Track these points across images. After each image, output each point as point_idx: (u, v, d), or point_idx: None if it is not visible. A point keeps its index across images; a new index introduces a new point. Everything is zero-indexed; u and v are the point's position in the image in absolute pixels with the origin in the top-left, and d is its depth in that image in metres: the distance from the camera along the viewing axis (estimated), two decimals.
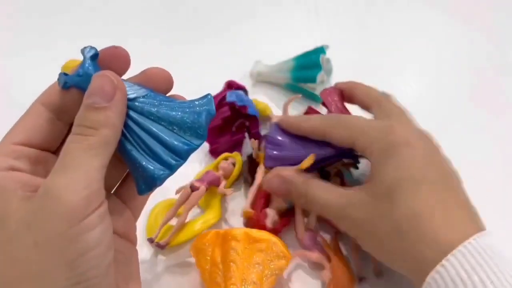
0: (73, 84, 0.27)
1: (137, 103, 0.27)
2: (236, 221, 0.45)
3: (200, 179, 0.44)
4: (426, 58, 0.65)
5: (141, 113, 0.27)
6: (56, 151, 0.29)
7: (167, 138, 0.27)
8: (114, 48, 0.28)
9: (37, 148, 0.28)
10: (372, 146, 0.36)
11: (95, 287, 0.25)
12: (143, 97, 0.27)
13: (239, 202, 0.47)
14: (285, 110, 0.49)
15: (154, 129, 0.27)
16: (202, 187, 0.43)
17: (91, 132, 0.25)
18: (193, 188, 0.43)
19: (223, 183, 0.45)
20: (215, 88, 0.54)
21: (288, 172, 0.40)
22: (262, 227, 0.42)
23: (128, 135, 0.27)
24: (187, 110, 0.28)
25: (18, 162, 0.26)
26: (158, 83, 0.29)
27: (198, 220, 0.43)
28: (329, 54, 0.57)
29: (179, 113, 0.27)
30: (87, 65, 0.27)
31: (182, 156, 0.27)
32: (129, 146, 0.27)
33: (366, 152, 0.37)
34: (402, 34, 0.68)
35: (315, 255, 0.41)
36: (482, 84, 0.61)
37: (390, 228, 0.32)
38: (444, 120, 0.56)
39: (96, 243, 0.25)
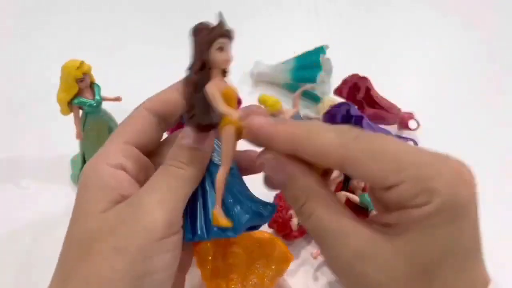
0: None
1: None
2: None
3: None
4: (426, 58, 0.65)
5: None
6: (151, 156, 0.30)
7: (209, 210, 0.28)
8: None
9: (141, 149, 0.29)
10: (429, 198, 0.22)
11: None
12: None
13: None
14: (295, 103, 0.49)
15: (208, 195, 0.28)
16: None
17: (183, 166, 0.27)
18: None
19: None
20: None
21: (288, 161, 0.26)
22: (287, 230, 0.42)
23: None
24: (249, 204, 0.28)
25: (127, 161, 0.28)
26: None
27: None
28: (329, 54, 0.57)
29: (240, 198, 0.28)
30: None
31: (207, 235, 0.27)
32: None
33: (411, 201, 0.23)
34: (402, 34, 0.68)
35: None
36: (483, 84, 0.61)
37: None
38: (444, 120, 0.56)
39: (165, 267, 0.25)
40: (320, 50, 0.56)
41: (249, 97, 0.55)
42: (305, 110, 0.53)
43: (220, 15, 0.26)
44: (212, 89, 0.25)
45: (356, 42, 0.66)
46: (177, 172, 0.27)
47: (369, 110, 0.52)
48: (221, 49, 0.25)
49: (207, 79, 0.25)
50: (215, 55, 0.25)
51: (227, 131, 0.26)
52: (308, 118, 0.48)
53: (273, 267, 0.38)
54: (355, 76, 0.54)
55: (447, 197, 0.22)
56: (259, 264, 0.38)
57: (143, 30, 0.66)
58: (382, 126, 0.53)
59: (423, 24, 0.69)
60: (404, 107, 0.53)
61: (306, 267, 0.42)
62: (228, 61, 0.26)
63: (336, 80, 0.56)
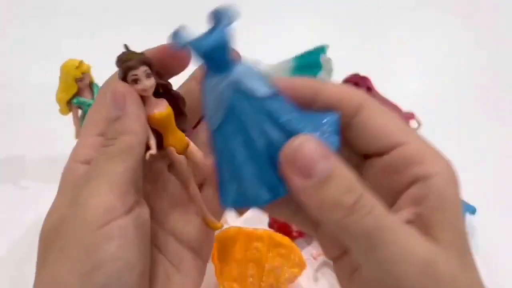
0: (193, 48, 0.22)
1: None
2: (236, 221, 0.45)
3: None
4: (426, 58, 0.65)
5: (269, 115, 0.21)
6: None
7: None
8: (166, 48, 0.27)
9: None
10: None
11: None
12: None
13: None
14: None
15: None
16: None
17: (111, 142, 0.25)
18: None
19: None
20: None
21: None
22: (287, 229, 0.42)
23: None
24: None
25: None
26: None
27: None
28: (329, 54, 0.56)
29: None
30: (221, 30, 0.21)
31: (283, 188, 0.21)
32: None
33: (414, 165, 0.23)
34: (402, 34, 0.68)
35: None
36: (483, 84, 0.61)
37: None
38: (444, 119, 0.56)
39: (113, 257, 0.23)
40: (320, 50, 0.56)
41: None
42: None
43: (125, 46, 0.26)
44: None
45: (357, 42, 0.66)
46: (106, 151, 0.24)
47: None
48: (135, 81, 0.25)
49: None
50: (133, 87, 0.25)
51: (169, 152, 0.27)
52: None
53: (288, 272, 0.39)
54: (355, 76, 0.54)
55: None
56: (277, 268, 0.39)
57: (143, 30, 0.66)
58: None
59: (424, 24, 0.69)
60: (404, 107, 0.53)
61: (306, 268, 0.42)
62: (144, 90, 0.25)
63: (336, 80, 0.56)
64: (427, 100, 0.59)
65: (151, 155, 0.25)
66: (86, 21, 0.67)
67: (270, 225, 0.43)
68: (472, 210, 0.45)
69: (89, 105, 0.42)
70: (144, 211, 0.25)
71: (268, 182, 0.21)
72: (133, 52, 0.26)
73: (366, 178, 0.23)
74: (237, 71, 0.21)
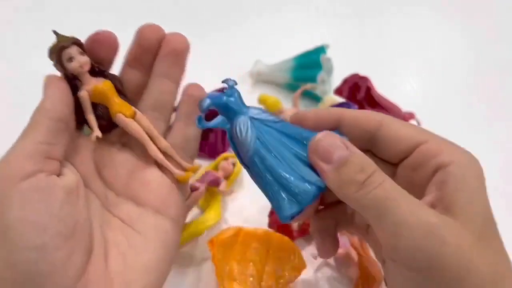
0: (215, 105, 0.28)
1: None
2: (236, 221, 0.45)
3: (199, 179, 0.44)
4: (427, 58, 0.65)
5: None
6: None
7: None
8: (97, 34, 0.30)
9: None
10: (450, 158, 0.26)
11: (41, 275, 0.23)
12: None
13: (239, 203, 0.46)
14: (295, 103, 0.49)
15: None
16: (202, 187, 0.43)
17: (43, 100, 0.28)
18: (192, 189, 0.43)
19: (223, 183, 0.45)
20: (215, 87, 0.54)
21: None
22: (287, 229, 0.42)
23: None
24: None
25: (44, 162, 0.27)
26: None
27: (198, 220, 0.43)
28: (329, 53, 0.57)
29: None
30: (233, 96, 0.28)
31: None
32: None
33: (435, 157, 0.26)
34: (402, 34, 0.68)
35: (342, 250, 0.41)
36: (483, 83, 0.61)
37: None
38: (444, 119, 0.56)
39: (16, 219, 0.24)
40: (321, 49, 0.56)
41: (249, 96, 0.55)
42: (305, 110, 0.53)
43: (54, 32, 0.29)
44: (82, 96, 0.29)
45: (357, 42, 0.66)
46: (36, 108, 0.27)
47: (370, 110, 0.52)
48: (70, 59, 0.28)
49: (78, 88, 0.29)
50: (69, 66, 0.28)
51: (119, 119, 0.30)
52: None
53: (288, 273, 0.39)
54: (355, 76, 0.54)
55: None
56: (276, 269, 0.39)
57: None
58: None
59: (424, 24, 0.69)
60: (404, 107, 0.53)
61: (306, 268, 0.42)
62: (81, 65, 0.28)
63: (336, 80, 0.56)
64: (427, 100, 0.59)
65: (97, 138, 0.29)
66: (86, 21, 0.67)
67: (270, 225, 0.43)
68: None
69: None
70: (66, 178, 0.27)
71: (308, 178, 0.26)
72: (64, 36, 0.29)
73: (399, 182, 0.25)
74: (251, 111, 0.28)
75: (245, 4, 0.70)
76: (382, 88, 0.54)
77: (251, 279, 0.38)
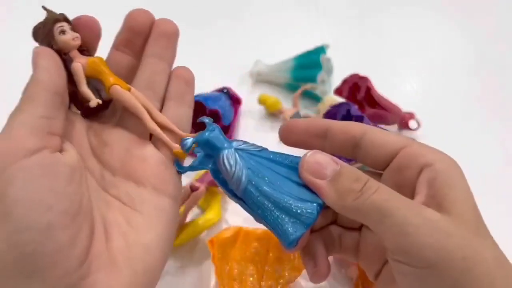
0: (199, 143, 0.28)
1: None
2: (236, 221, 0.45)
3: (200, 179, 0.44)
4: (427, 58, 0.65)
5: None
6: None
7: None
8: (79, 19, 0.29)
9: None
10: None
11: (35, 252, 0.22)
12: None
13: None
14: (295, 103, 0.48)
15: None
16: (202, 187, 0.43)
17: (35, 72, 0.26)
18: (193, 188, 0.43)
19: None
20: (215, 87, 0.54)
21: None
22: None
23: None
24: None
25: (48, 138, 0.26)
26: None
27: (198, 220, 0.43)
28: (329, 53, 0.57)
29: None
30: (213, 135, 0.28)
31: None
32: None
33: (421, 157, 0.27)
34: (402, 34, 0.68)
35: None
36: (483, 83, 0.61)
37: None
38: (444, 119, 0.56)
39: (19, 197, 0.22)
40: (320, 49, 0.56)
41: (249, 96, 0.55)
42: (305, 110, 0.53)
43: (44, 7, 0.28)
44: (75, 68, 0.28)
45: (356, 42, 0.66)
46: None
47: (369, 110, 0.52)
48: (63, 32, 0.27)
49: (69, 63, 0.28)
50: (61, 38, 0.27)
51: (115, 90, 0.28)
52: None
53: (287, 275, 0.39)
54: (355, 76, 0.54)
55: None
56: (276, 270, 0.39)
57: None
58: (383, 126, 0.53)
59: (423, 24, 0.69)
60: (404, 107, 0.53)
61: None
62: (75, 38, 0.28)
63: (336, 80, 0.56)
64: (427, 100, 0.59)
65: (98, 104, 0.28)
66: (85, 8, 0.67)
67: None
68: None
69: None
70: (68, 155, 0.26)
71: (306, 197, 0.26)
72: (54, 12, 0.28)
73: (386, 185, 0.25)
74: (234, 143, 0.28)
75: (245, 4, 0.70)
76: (382, 88, 0.54)
77: (251, 279, 0.38)
